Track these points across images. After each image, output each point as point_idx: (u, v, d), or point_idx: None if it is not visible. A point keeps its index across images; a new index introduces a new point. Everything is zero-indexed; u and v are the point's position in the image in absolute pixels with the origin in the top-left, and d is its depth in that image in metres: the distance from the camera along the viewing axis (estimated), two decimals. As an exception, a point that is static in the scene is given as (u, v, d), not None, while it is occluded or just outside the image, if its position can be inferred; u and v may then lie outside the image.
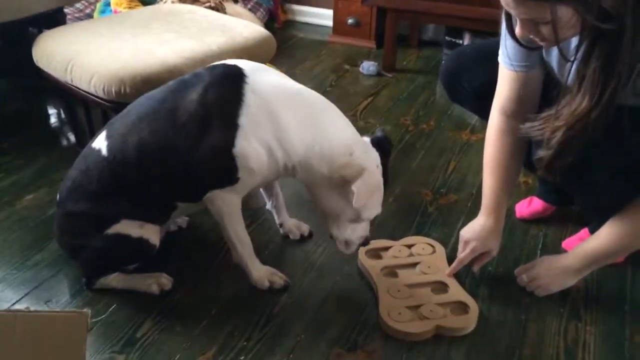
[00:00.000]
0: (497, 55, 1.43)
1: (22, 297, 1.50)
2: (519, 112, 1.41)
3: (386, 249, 1.66)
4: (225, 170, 1.36)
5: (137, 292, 1.52)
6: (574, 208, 1.81)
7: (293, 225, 1.75)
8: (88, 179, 1.42)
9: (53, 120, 2.50)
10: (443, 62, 2.92)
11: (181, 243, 1.72)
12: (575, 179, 1.29)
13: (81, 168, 1.45)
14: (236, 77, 1.36)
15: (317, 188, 1.42)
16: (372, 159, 1.39)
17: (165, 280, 1.53)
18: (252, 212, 1.86)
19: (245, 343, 1.38)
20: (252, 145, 1.33)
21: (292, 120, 1.35)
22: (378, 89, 2.75)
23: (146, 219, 1.46)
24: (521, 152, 1.49)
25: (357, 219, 1.43)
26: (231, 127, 1.32)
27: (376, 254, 1.65)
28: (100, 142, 1.43)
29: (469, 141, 2.30)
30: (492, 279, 1.57)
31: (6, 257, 1.64)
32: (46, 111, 2.55)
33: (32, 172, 2.04)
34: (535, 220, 1.81)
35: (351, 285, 1.57)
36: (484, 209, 1.52)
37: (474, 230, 1.53)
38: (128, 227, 1.43)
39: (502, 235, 1.55)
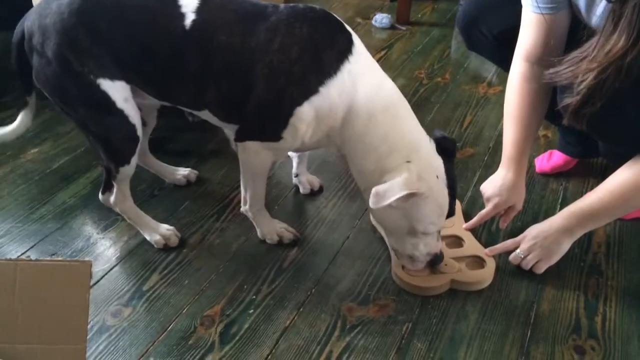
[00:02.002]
0: None
1: (26, 250, 1.47)
2: (543, 58, 1.33)
3: (399, 202, 1.61)
4: (274, 121, 1.28)
5: (144, 246, 1.49)
6: (601, 160, 1.74)
7: (306, 178, 1.69)
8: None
9: (58, 74, 2.44)
10: (460, 6, 2.81)
11: (189, 198, 1.68)
12: (603, 125, 1.21)
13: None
14: (343, 46, 1.25)
15: (367, 193, 1.26)
16: (431, 169, 1.24)
17: (175, 238, 1.49)
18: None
19: (254, 297, 1.35)
20: (314, 117, 1.25)
21: (363, 123, 1.25)
22: (391, 42, 2.65)
23: (155, 90, 1.35)
24: (545, 101, 1.41)
25: (414, 232, 1.27)
26: (310, 87, 1.23)
27: (389, 207, 1.60)
28: (191, 6, 1.26)
29: (486, 95, 2.22)
30: (509, 234, 1.52)
31: (11, 210, 1.61)
32: (50, 65, 2.49)
33: (37, 125, 1.99)
34: (555, 174, 1.74)
35: (363, 240, 1.53)
36: (505, 160, 1.46)
37: (495, 186, 1.46)
38: (116, 90, 1.28)
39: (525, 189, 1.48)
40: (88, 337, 1.11)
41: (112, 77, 1.27)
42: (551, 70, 1.21)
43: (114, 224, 1.57)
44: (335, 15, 1.29)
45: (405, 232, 1.28)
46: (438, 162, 1.26)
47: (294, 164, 1.68)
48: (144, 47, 1.27)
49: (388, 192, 1.17)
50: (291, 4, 1.28)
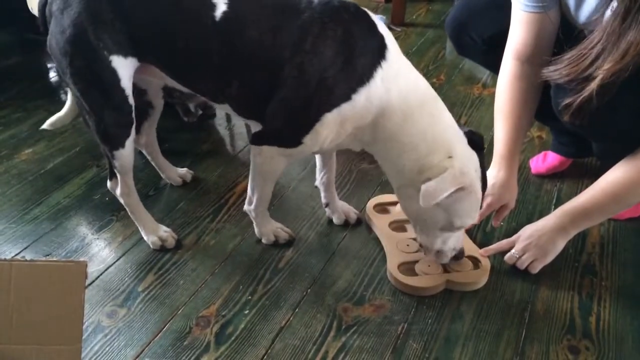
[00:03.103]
0: (509, 1, 1.35)
1: (20, 251, 1.47)
2: (533, 56, 1.35)
3: (395, 203, 1.61)
4: (297, 126, 1.23)
5: (139, 246, 1.49)
6: (595, 161, 1.75)
7: (341, 208, 1.59)
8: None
9: (52, 74, 2.44)
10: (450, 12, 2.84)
11: (184, 198, 1.68)
12: (598, 122, 1.21)
13: None
14: (377, 52, 1.20)
15: (403, 188, 1.27)
16: (470, 163, 1.22)
17: (172, 240, 1.49)
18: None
19: (249, 297, 1.35)
20: (339, 122, 1.20)
21: (398, 123, 1.20)
22: (386, 43, 2.65)
23: (176, 73, 1.32)
24: (535, 99, 1.43)
25: (449, 227, 1.26)
26: (341, 94, 1.18)
27: (384, 208, 1.61)
28: None
29: (481, 96, 2.23)
30: (504, 234, 1.52)
31: (5, 210, 1.61)
32: (45, 65, 2.49)
33: (31, 125, 1.99)
34: (549, 174, 1.75)
35: (359, 240, 1.53)
36: (497, 158, 1.46)
37: (488, 185, 1.46)
38: (125, 68, 1.27)
39: (517, 187, 1.49)
40: (83, 338, 1.10)
41: (126, 53, 1.25)
42: (551, 68, 1.21)
43: (108, 225, 1.57)
44: (369, 13, 1.24)
45: (440, 227, 1.27)
46: (474, 157, 1.24)
47: (322, 193, 1.58)
48: (168, 32, 1.24)
49: (438, 189, 1.15)
50: (324, 0, 1.22)
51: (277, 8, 1.22)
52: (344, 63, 1.18)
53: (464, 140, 1.24)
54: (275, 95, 1.22)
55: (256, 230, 1.50)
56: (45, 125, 1.55)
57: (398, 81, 1.21)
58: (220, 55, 1.23)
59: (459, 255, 1.35)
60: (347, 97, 1.18)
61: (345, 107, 1.19)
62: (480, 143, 1.29)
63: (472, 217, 1.27)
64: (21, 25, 2.38)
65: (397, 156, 1.24)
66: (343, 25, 1.19)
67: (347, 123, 1.22)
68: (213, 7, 1.21)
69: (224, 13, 1.21)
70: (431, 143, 1.20)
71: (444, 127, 1.23)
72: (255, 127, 1.34)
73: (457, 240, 1.33)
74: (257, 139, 1.30)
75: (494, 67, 1.51)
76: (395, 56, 1.22)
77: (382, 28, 1.24)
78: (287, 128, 1.25)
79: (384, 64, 1.19)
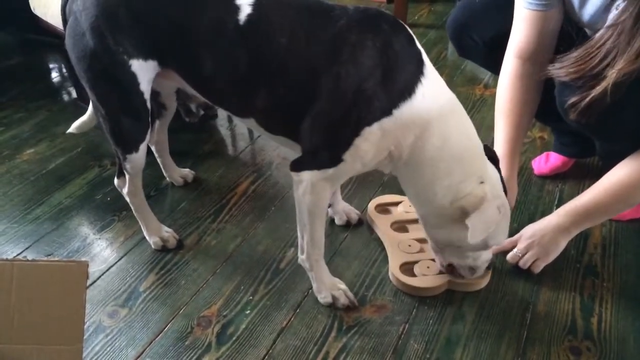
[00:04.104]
0: (510, 2, 1.35)
1: (22, 251, 1.47)
2: (536, 54, 1.35)
3: (396, 204, 1.61)
4: (336, 141, 1.14)
5: (140, 246, 1.49)
6: (597, 162, 1.75)
7: (342, 209, 1.58)
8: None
9: (54, 74, 2.44)
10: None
11: (186, 198, 1.68)
12: (604, 120, 1.21)
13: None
14: (416, 65, 1.13)
15: (431, 216, 1.24)
16: (497, 185, 1.21)
17: (173, 240, 1.49)
18: (258, 168, 1.81)
19: (251, 297, 1.35)
20: (380, 137, 1.12)
21: (438, 146, 1.14)
22: (388, 44, 2.66)
23: (205, 90, 1.28)
24: (536, 98, 1.42)
25: (482, 247, 1.25)
26: (382, 109, 1.10)
27: (386, 209, 1.61)
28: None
29: (483, 96, 2.23)
30: (505, 235, 1.52)
31: (7, 210, 1.61)
32: (46, 65, 2.50)
33: (33, 125, 2.00)
34: (552, 175, 1.75)
35: (360, 240, 1.53)
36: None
37: None
38: (145, 71, 1.23)
39: (517, 186, 1.49)
40: (84, 338, 1.10)
41: (146, 57, 1.22)
42: (557, 66, 1.20)
43: (110, 225, 1.57)
44: (404, 24, 1.18)
45: (473, 248, 1.25)
46: (497, 173, 1.23)
47: None
48: (189, 40, 1.18)
49: (485, 225, 1.15)
50: (360, 7, 1.16)
51: (309, 13, 1.14)
52: (383, 74, 1.10)
53: (485, 157, 1.22)
54: (310, 109, 1.14)
55: (314, 286, 1.35)
56: (70, 130, 1.52)
57: (438, 99, 1.15)
58: (246, 64, 1.16)
59: (490, 265, 1.35)
60: (388, 112, 1.10)
61: (386, 122, 1.11)
62: (496, 157, 1.28)
63: (505, 234, 1.27)
64: (22, 25, 2.38)
65: (429, 182, 1.18)
66: (383, 35, 1.12)
67: (389, 137, 1.14)
68: (237, 9, 1.14)
69: (249, 16, 1.14)
70: (466, 169, 1.16)
71: (475, 150, 1.19)
72: (286, 145, 1.28)
73: (489, 253, 1.31)
74: (296, 165, 1.21)
75: (495, 68, 1.51)
76: (432, 71, 1.16)
77: (416, 41, 1.17)
78: (325, 144, 1.16)
79: (423, 79, 1.12)
